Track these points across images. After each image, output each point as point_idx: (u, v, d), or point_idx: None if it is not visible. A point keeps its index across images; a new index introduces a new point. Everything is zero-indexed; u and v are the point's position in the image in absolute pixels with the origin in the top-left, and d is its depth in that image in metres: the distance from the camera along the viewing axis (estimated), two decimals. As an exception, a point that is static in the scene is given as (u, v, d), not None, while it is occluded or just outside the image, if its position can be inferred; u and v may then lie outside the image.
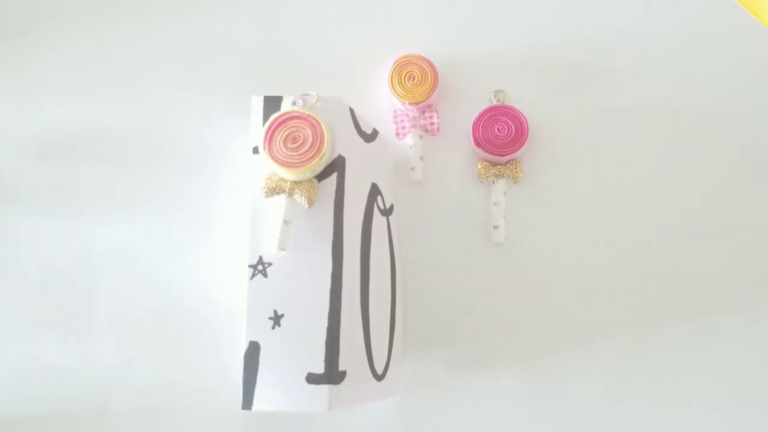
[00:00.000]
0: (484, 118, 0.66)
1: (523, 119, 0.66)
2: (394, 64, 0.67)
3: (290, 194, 0.52)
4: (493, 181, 0.67)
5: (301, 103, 0.53)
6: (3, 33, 0.71)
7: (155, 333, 0.66)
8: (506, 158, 0.66)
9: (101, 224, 0.67)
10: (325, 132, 0.52)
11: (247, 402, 0.51)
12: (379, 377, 0.59)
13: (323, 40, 0.70)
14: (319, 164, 0.52)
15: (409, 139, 0.68)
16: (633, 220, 0.67)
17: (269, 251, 0.52)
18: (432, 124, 0.68)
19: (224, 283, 0.65)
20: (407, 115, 0.68)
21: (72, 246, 0.67)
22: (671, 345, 0.65)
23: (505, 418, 0.65)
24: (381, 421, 0.65)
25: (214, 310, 0.65)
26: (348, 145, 0.54)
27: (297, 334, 0.51)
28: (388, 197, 0.64)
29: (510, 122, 0.66)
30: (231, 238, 0.66)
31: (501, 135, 0.66)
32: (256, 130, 0.54)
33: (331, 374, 0.50)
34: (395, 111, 0.68)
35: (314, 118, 0.52)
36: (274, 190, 0.52)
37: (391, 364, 0.62)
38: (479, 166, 0.67)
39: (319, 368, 0.50)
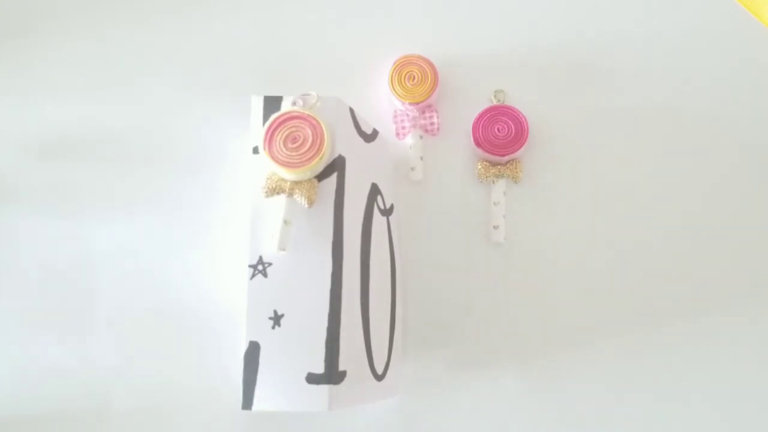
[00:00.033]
0: (484, 118, 0.66)
1: (523, 119, 0.66)
2: (394, 64, 0.67)
3: (290, 194, 0.52)
4: (493, 181, 0.67)
5: (301, 103, 0.53)
6: (3, 33, 0.71)
7: (155, 333, 0.66)
8: (506, 158, 0.66)
9: (101, 224, 0.67)
10: (325, 132, 0.52)
11: (247, 402, 0.51)
12: (379, 377, 0.59)
13: (323, 40, 0.70)
14: (319, 164, 0.52)
15: (409, 139, 0.68)
16: (633, 220, 0.67)
17: (269, 251, 0.52)
18: (432, 124, 0.68)
19: (224, 283, 0.65)
20: (407, 115, 0.68)
21: (72, 246, 0.67)
22: (671, 345, 0.65)
23: (505, 418, 0.65)
24: (381, 421, 0.65)
25: (214, 310, 0.65)
26: (348, 145, 0.54)
27: (297, 334, 0.51)
28: (388, 197, 0.64)
29: (510, 122, 0.66)
30: (231, 238, 0.66)
31: (501, 135, 0.66)
32: (256, 130, 0.54)
33: (331, 374, 0.50)
34: (395, 111, 0.68)
35: (314, 118, 0.52)
36: (274, 190, 0.52)
37: (391, 364, 0.62)
38: (479, 166, 0.67)
39: (319, 368, 0.50)
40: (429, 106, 0.68)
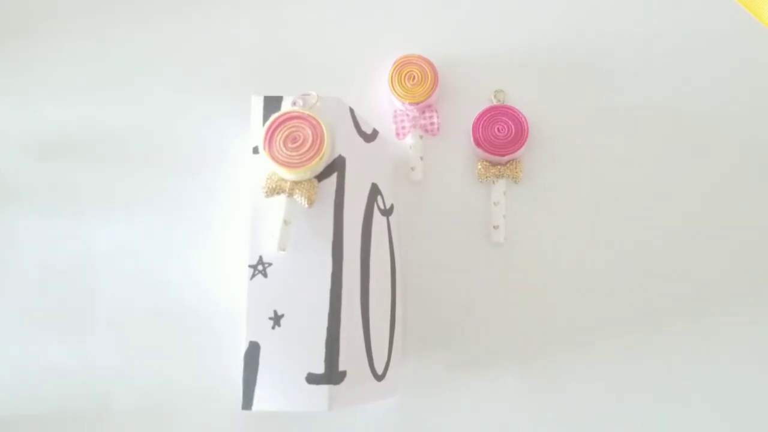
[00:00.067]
0: (484, 118, 0.66)
1: (523, 119, 0.66)
2: (394, 64, 0.67)
3: (290, 194, 0.52)
4: (493, 181, 0.67)
5: (301, 103, 0.53)
6: (3, 33, 0.71)
7: (155, 333, 0.66)
8: (506, 158, 0.66)
9: (101, 224, 0.67)
10: (325, 132, 0.52)
11: (247, 402, 0.51)
12: (379, 377, 0.59)
13: (323, 40, 0.70)
14: (319, 164, 0.52)
15: (409, 139, 0.68)
16: (633, 220, 0.67)
17: (269, 251, 0.52)
18: (432, 124, 0.68)
19: (224, 283, 0.65)
20: (407, 115, 0.68)
21: (72, 246, 0.67)
22: (671, 345, 0.65)
23: (505, 418, 0.65)
24: (381, 421, 0.65)
25: (214, 310, 0.65)
26: (348, 145, 0.54)
27: (297, 334, 0.51)
28: (388, 197, 0.64)
29: (510, 122, 0.66)
30: (231, 238, 0.66)
31: (501, 135, 0.66)
32: (256, 130, 0.54)
33: (331, 374, 0.50)
34: (395, 111, 0.68)
35: (314, 118, 0.52)
36: (274, 190, 0.52)
37: (391, 364, 0.62)
38: (479, 166, 0.67)
39: (319, 368, 0.50)
40: (429, 106, 0.68)
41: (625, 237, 0.67)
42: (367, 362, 0.57)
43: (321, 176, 0.53)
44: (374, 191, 0.61)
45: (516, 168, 0.66)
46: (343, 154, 0.53)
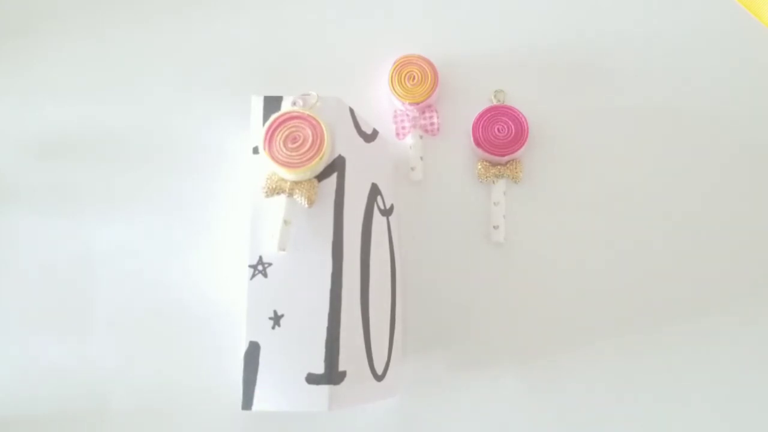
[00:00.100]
0: (484, 118, 0.66)
1: (523, 119, 0.66)
2: (394, 64, 0.67)
3: (290, 194, 0.52)
4: (493, 181, 0.67)
5: (301, 103, 0.53)
6: (3, 33, 0.71)
7: (155, 333, 0.66)
8: (506, 158, 0.66)
9: (101, 224, 0.67)
10: (325, 132, 0.52)
11: (247, 402, 0.51)
12: (379, 377, 0.59)
13: (323, 40, 0.70)
14: (319, 164, 0.52)
15: (409, 139, 0.68)
16: (633, 220, 0.67)
17: (269, 251, 0.52)
18: (432, 124, 0.68)
19: (224, 283, 0.65)
20: (407, 115, 0.68)
21: (72, 246, 0.67)
22: (671, 345, 0.65)
23: (505, 418, 0.65)
24: (381, 421, 0.65)
25: (214, 310, 0.65)
26: (348, 145, 0.54)
27: (297, 334, 0.51)
28: (388, 197, 0.64)
29: (510, 122, 0.66)
30: (231, 238, 0.66)
31: (501, 135, 0.66)
32: (256, 130, 0.54)
33: (331, 374, 0.50)
34: (395, 111, 0.68)
35: (314, 118, 0.52)
36: (274, 190, 0.52)
37: (391, 364, 0.62)
38: (479, 166, 0.67)
39: (319, 368, 0.50)
40: (429, 106, 0.68)
41: (625, 237, 0.67)
42: (367, 362, 0.57)
43: (321, 176, 0.53)
44: (374, 191, 0.60)
45: (516, 168, 0.66)
46: (343, 154, 0.53)
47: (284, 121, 0.52)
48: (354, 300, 0.54)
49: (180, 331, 0.66)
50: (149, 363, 0.66)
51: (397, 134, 0.68)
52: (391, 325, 0.63)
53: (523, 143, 0.66)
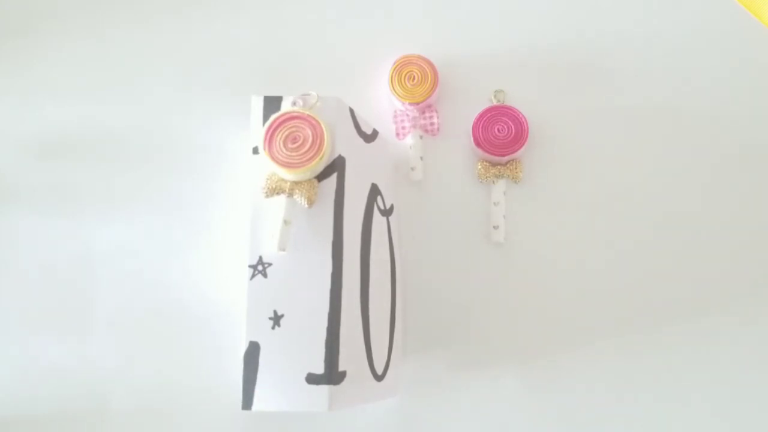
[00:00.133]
0: (484, 118, 0.66)
1: (523, 119, 0.66)
2: (394, 64, 0.67)
3: (290, 194, 0.52)
4: (493, 181, 0.67)
5: (301, 103, 0.53)
6: (3, 33, 0.71)
7: (155, 333, 0.66)
8: (506, 158, 0.66)
9: (101, 224, 0.67)
10: (325, 132, 0.52)
11: (247, 402, 0.51)
12: (379, 377, 0.59)
13: (323, 40, 0.70)
14: (319, 164, 0.52)
15: (409, 139, 0.68)
16: (633, 220, 0.67)
17: (269, 251, 0.52)
18: (432, 124, 0.68)
19: (224, 283, 0.65)
20: (407, 115, 0.68)
21: (72, 246, 0.67)
22: (671, 345, 0.65)
23: (505, 418, 0.65)
24: (381, 421, 0.65)
25: (214, 310, 0.65)
26: (348, 146, 0.54)
27: (297, 334, 0.51)
28: (388, 197, 0.64)
29: (510, 122, 0.66)
30: (231, 238, 0.66)
31: (501, 135, 0.66)
32: (256, 130, 0.54)
33: (331, 374, 0.50)
34: (395, 111, 0.68)
35: (314, 118, 0.52)
36: (274, 190, 0.52)
37: (391, 364, 0.62)
38: (479, 166, 0.67)
39: (319, 368, 0.50)
40: (429, 106, 0.68)
41: (625, 237, 0.67)
42: (367, 362, 0.57)
43: (321, 176, 0.53)
44: (374, 191, 0.61)
45: (516, 168, 0.66)
46: (343, 154, 0.53)
47: (284, 122, 0.52)
48: (354, 300, 0.54)
49: (180, 331, 0.66)
50: (149, 363, 0.66)
51: (397, 134, 0.68)
52: (391, 325, 0.63)
53: (523, 143, 0.66)
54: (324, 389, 0.50)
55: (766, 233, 0.66)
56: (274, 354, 0.51)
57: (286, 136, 0.52)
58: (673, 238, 0.66)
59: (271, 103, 0.54)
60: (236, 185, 0.67)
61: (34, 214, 0.68)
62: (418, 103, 0.67)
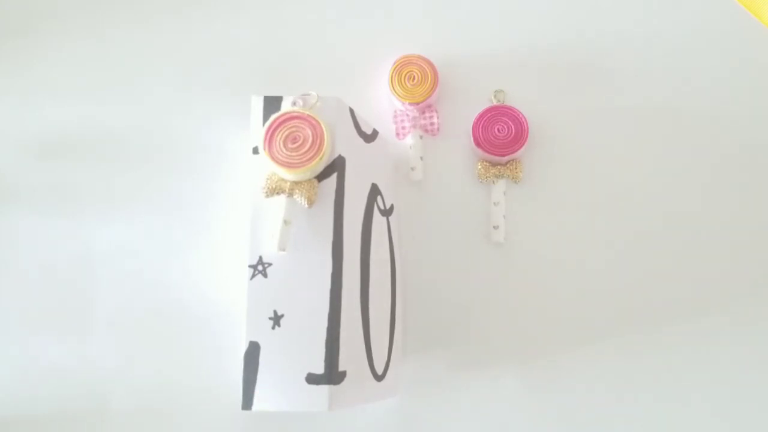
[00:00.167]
0: (484, 118, 0.66)
1: (523, 119, 0.66)
2: (394, 64, 0.67)
3: (290, 194, 0.52)
4: (493, 181, 0.67)
5: (301, 103, 0.53)
6: (3, 33, 0.71)
7: (155, 333, 0.66)
8: (506, 158, 0.66)
9: (101, 224, 0.67)
10: (325, 132, 0.52)
11: (247, 402, 0.51)
12: (379, 377, 0.59)
13: (323, 40, 0.70)
14: (319, 164, 0.52)
15: (409, 139, 0.68)
16: (633, 220, 0.67)
17: (269, 251, 0.52)
18: (432, 124, 0.68)
19: (224, 283, 0.65)
20: (407, 115, 0.68)
21: (72, 246, 0.67)
22: (671, 345, 0.65)
23: (505, 418, 0.65)
24: (381, 421, 0.65)
25: (214, 310, 0.65)
26: (348, 146, 0.54)
27: (297, 334, 0.51)
28: (388, 197, 0.64)
29: (510, 122, 0.66)
30: (231, 238, 0.66)
31: (501, 135, 0.66)
32: (256, 130, 0.54)
33: (331, 374, 0.50)
34: (395, 111, 0.68)
35: (314, 118, 0.52)
36: (274, 190, 0.52)
37: (391, 364, 0.62)
38: (479, 166, 0.67)
39: (319, 368, 0.50)
40: (429, 106, 0.68)
41: (625, 237, 0.67)
42: (367, 362, 0.57)
43: (321, 176, 0.53)
44: (374, 191, 0.61)
45: (516, 168, 0.66)
46: (343, 154, 0.53)
47: (284, 122, 0.52)
48: (354, 300, 0.54)
49: (180, 331, 0.66)
50: (149, 363, 0.66)
51: (397, 134, 0.68)
52: (391, 325, 0.63)
53: (523, 143, 0.66)
54: (324, 389, 0.50)
55: (766, 233, 0.66)
56: (274, 354, 0.51)
57: (286, 136, 0.52)
58: (673, 238, 0.66)
59: (271, 103, 0.54)
60: (236, 185, 0.67)
61: (34, 214, 0.68)
62: (418, 103, 0.67)
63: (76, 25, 0.71)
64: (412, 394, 0.65)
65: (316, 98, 0.53)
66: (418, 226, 0.67)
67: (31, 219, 0.68)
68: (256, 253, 0.52)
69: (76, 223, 0.67)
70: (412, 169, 0.68)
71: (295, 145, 0.52)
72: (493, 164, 0.67)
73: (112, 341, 0.66)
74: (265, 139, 0.52)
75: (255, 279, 0.52)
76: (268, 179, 0.52)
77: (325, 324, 0.51)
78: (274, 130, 0.52)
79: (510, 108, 0.67)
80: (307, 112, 0.52)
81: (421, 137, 0.68)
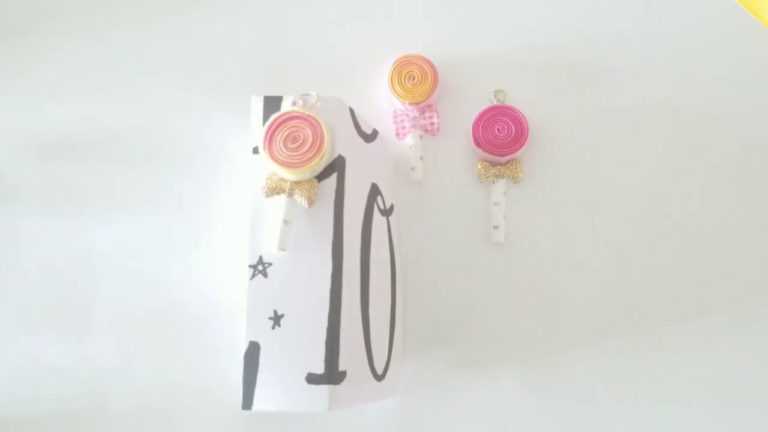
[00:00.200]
0: (484, 118, 0.66)
1: (523, 119, 0.66)
2: (394, 64, 0.67)
3: (290, 194, 0.52)
4: (493, 181, 0.67)
5: (301, 103, 0.53)
6: (3, 33, 0.71)
7: (155, 333, 0.66)
8: (506, 158, 0.66)
9: (101, 224, 0.67)
10: (325, 132, 0.52)
11: (247, 402, 0.51)
12: (379, 377, 0.59)
13: (323, 40, 0.70)
14: (319, 164, 0.52)
15: (409, 139, 0.68)
16: (633, 220, 0.67)
17: (269, 251, 0.52)
18: (432, 124, 0.68)
19: (224, 283, 0.65)
20: (407, 115, 0.68)
21: (72, 246, 0.67)
22: (671, 345, 0.65)
23: (505, 418, 0.65)
24: (381, 421, 0.65)
25: (214, 310, 0.65)
26: (348, 145, 0.54)
27: (297, 334, 0.51)
28: (388, 197, 0.64)
29: (510, 122, 0.66)
30: (231, 238, 0.66)
31: (501, 135, 0.66)
32: (256, 130, 0.54)
33: (331, 374, 0.50)
34: (395, 111, 0.68)
35: (314, 118, 0.52)
36: (274, 190, 0.52)
37: (391, 364, 0.62)
38: (479, 166, 0.67)
39: (319, 368, 0.50)
40: (429, 106, 0.68)
41: (625, 237, 0.67)
42: (367, 362, 0.57)
43: (321, 176, 0.53)
44: (374, 191, 0.61)
45: (516, 168, 0.66)
46: (343, 154, 0.53)
47: (284, 121, 0.52)
48: (354, 300, 0.54)
49: (180, 331, 0.66)
50: (149, 363, 0.66)
51: (397, 134, 0.68)
52: (391, 325, 0.63)
53: (523, 143, 0.66)
54: (324, 389, 0.50)
55: (766, 233, 0.66)
56: (274, 354, 0.51)
57: (286, 136, 0.52)
58: (673, 238, 0.66)
59: (271, 103, 0.54)
60: (236, 185, 0.67)
61: (34, 214, 0.68)
62: (418, 103, 0.67)
63: (76, 25, 0.71)
64: (412, 394, 0.65)
65: (316, 98, 0.53)
66: (418, 226, 0.67)
67: (31, 219, 0.68)
68: (256, 253, 0.52)
69: (76, 223, 0.67)
70: (412, 169, 0.68)
71: (295, 145, 0.52)
72: (493, 164, 0.67)
73: (112, 341, 0.66)
74: (265, 139, 0.52)
75: (255, 279, 0.52)
76: (268, 179, 0.52)
77: (325, 324, 0.51)
78: (274, 130, 0.52)
79: (510, 108, 0.67)
80: (307, 112, 0.52)
81: (421, 137, 0.68)
